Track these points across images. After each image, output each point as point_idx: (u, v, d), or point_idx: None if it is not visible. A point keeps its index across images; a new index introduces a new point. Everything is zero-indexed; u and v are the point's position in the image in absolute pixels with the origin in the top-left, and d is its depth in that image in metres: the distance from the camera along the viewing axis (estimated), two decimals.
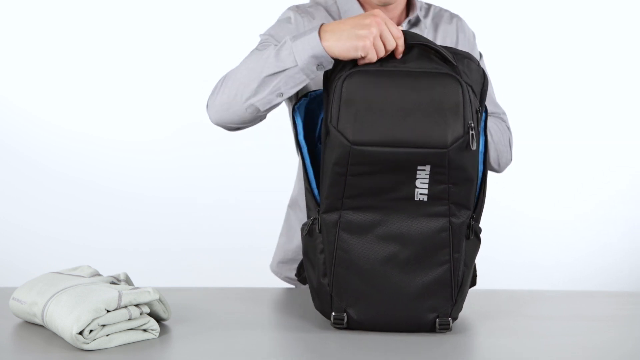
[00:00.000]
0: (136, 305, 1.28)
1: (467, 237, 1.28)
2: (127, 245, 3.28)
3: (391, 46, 1.24)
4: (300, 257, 1.66)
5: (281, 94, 1.34)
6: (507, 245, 3.30)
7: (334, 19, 1.62)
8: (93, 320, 1.23)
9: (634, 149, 3.44)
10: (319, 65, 1.29)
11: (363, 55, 1.23)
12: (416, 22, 1.67)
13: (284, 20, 1.61)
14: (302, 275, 1.52)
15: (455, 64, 1.23)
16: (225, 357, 1.22)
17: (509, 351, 1.26)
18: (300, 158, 1.39)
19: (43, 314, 1.30)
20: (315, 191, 1.32)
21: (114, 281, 1.40)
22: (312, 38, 1.27)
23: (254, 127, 1.49)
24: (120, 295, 1.26)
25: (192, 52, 3.34)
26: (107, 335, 1.25)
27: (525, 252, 3.40)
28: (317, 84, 1.43)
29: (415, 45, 1.25)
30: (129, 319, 1.27)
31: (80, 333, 1.22)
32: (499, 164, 1.69)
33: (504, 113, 1.76)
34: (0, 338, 1.30)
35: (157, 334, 1.30)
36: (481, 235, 1.31)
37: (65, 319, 1.24)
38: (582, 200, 3.45)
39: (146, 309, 1.30)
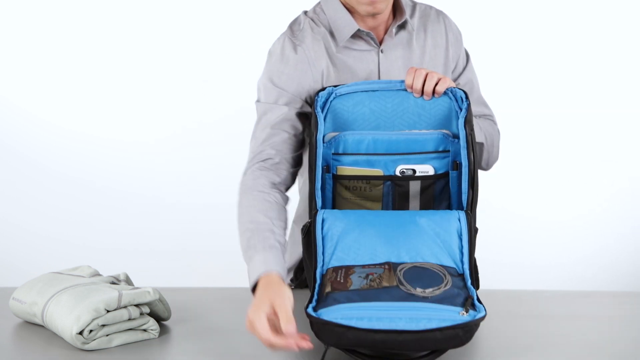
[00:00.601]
0: (136, 305, 1.28)
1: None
2: (127, 246, 3.28)
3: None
4: None
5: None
6: (507, 245, 3.29)
7: (327, 30, 1.57)
8: (93, 320, 1.23)
9: (634, 149, 3.43)
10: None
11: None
12: (403, 25, 1.60)
13: (276, 62, 1.55)
14: (299, 279, 1.52)
15: None
16: (225, 357, 1.23)
17: (509, 351, 1.26)
18: (309, 159, 1.39)
19: (43, 314, 1.30)
20: (318, 192, 1.33)
21: (114, 281, 1.41)
22: (252, 277, 1.30)
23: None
24: (120, 295, 1.26)
25: (193, 52, 3.34)
26: (107, 335, 1.25)
27: (525, 252, 3.40)
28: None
29: None
30: (129, 319, 1.27)
31: (80, 333, 1.22)
32: (487, 164, 1.70)
33: (492, 113, 1.75)
34: (0, 338, 1.30)
35: (157, 334, 1.30)
36: (481, 236, 1.32)
37: (65, 319, 1.24)
38: (581, 200, 3.44)
39: (146, 309, 1.30)
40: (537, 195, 3.43)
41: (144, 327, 1.29)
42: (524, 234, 3.42)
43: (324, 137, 1.39)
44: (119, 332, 1.26)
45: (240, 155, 3.42)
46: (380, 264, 1.25)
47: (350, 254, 1.28)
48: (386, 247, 1.28)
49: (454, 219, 1.32)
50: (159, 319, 1.35)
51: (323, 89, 1.41)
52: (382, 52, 1.55)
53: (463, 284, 1.24)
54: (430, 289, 1.19)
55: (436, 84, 1.39)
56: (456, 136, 1.39)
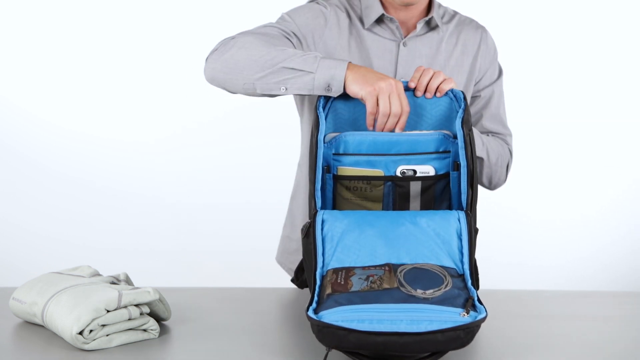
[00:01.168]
0: (136, 305, 1.28)
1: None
2: (127, 246, 3.28)
3: (395, 111, 1.33)
4: None
5: (285, 89, 1.41)
6: (507, 245, 3.30)
7: (355, 12, 1.65)
8: (93, 320, 1.23)
9: (634, 150, 3.44)
10: (327, 88, 1.37)
11: (364, 97, 1.33)
12: (434, 27, 1.67)
13: (305, 7, 1.64)
14: (299, 279, 1.52)
15: None
16: (225, 357, 1.23)
17: (509, 351, 1.26)
18: (310, 159, 1.39)
19: (43, 314, 1.30)
20: (318, 193, 1.33)
21: (114, 281, 1.41)
22: (340, 63, 1.37)
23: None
24: (120, 295, 1.26)
25: (193, 52, 3.34)
26: (107, 335, 1.25)
27: (525, 252, 3.40)
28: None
29: None
30: (129, 319, 1.27)
31: (80, 333, 1.22)
32: (490, 182, 1.71)
33: (510, 135, 1.76)
34: (0, 338, 1.30)
35: (157, 334, 1.30)
36: (482, 236, 1.32)
37: (65, 319, 1.24)
38: (581, 201, 3.45)
39: (146, 309, 1.30)
40: (538, 196, 3.44)
41: (144, 327, 1.29)
42: (524, 234, 3.42)
43: (324, 137, 1.39)
44: (119, 332, 1.26)
45: (240, 155, 3.44)
46: (380, 266, 1.25)
47: (350, 255, 1.28)
48: (386, 248, 1.28)
49: (454, 220, 1.32)
50: (159, 319, 1.35)
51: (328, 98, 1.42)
52: (404, 44, 1.60)
53: (463, 284, 1.24)
54: (431, 290, 1.19)
55: (441, 83, 1.41)
56: (456, 137, 1.39)
